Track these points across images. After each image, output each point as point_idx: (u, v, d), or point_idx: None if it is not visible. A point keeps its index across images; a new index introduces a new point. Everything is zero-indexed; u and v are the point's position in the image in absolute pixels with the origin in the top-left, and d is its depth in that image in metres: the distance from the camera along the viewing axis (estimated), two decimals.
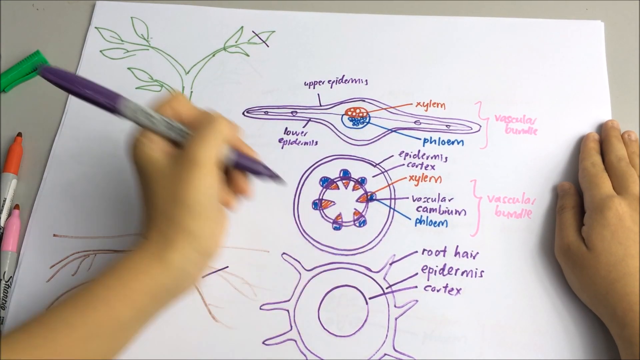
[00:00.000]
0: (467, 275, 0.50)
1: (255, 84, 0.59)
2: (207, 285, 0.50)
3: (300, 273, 0.50)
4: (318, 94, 0.58)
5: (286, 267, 0.50)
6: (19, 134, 0.56)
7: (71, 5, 0.64)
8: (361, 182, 0.54)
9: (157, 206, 0.41)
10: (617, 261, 0.45)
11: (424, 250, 0.51)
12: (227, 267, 0.51)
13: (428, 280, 0.50)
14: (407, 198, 0.53)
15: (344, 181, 0.54)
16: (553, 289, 0.49)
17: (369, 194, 0.53)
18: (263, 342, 0.48)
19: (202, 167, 0.40)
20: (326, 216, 0.52)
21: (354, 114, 0.57)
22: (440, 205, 0.52)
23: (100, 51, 0.61)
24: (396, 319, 0.48)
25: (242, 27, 0.62)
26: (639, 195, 0.47)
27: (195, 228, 0.41)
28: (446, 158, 0.54)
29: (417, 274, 0.50)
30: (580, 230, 0.48)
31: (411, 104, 0.57)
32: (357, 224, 0.52)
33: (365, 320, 0.48)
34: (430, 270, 0.50)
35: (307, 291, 0.49)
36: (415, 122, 0.56)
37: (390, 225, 0.52)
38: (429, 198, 0.53)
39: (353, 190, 0.53)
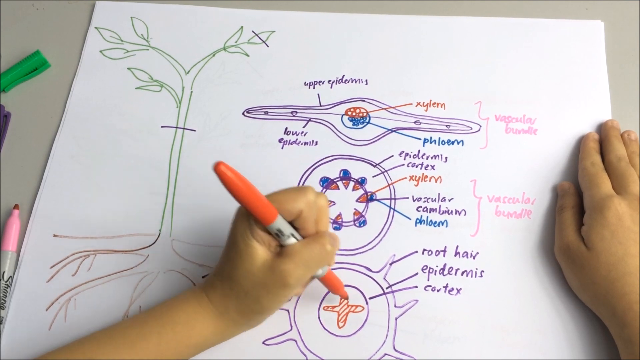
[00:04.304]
0: (467, 275, 0.50)
1: (255, 84, 0.59)
2: None
3: None
4: (318, 94, 0.58)
5: None
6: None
7: (71, 5, 0.64)
8: (361, 182, 0.54)
9: (234, 279, 0.42)
10: (617, 261, 0.45)
11: (424, 250, 0.51)
12: None
13: (428, 280, 0.50)
14: (407, 198, 0.53)
15: (344, 181, 0.54)
16: (553, 289, 0.49)
17: (369, 194, 0.53)
18: (263, 342, 0.48)
19: (290, 288, 0.42)
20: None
21: (354, 114, 0.57)
22: (440, 205, 0.52)
23: (100, 51, 0.61)
24: (396, 319, 0.48)
25: (242, 27, 0.62)
26: (639, 195, 0.47)
27: (257, 320, 0.45)
28: (446, 158, 0.54)
29: (417, 274, 0.50)
30: (580, 230, 0.48)
31: (411, 104, 0.57)
32: (357, 224, 0.52)
33: (365, 320, 0.48)
34: (431, 270, 0.50)
35: (307, 291, 0.49)
36: (415, 122, 0.56)
37: (390, 225, 0.52)
38: (429, 198, 0.53)
39: (353, 190, 0.53)
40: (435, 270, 0.50)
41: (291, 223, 0.42)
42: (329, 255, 0.43)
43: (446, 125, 0.56)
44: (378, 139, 0.55)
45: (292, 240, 0.41)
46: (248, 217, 0.41)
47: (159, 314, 0.43)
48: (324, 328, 0.48)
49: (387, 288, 0.49)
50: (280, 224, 0.40)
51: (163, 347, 0.42)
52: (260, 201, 0.39)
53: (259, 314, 0.44)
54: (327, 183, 0.54)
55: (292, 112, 0.57)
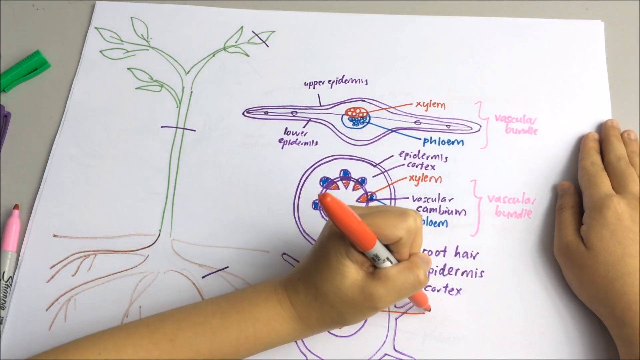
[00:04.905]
0: (467, 275, 0.50)
1: (255, 84, 0.59)
2: (207, 285, 0.50)
3: None
4: (318, 94, 0.58)
5: (286, 267, 0.50)
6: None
7: (71, 5, 0.64)
8: (361, 182, 0.54)
9: (320, 291, 0.42)
10: (616, 260, 0.45)
11: (424, 250, 0.51)
12: (227, 267, 0.51)
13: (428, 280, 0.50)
14: (407, 198, 0.53)
15: (344, 181, 0.54)
16: (553, 289, 0.49)
17: (369, 194, 0.53)
18: None
19: (377, 311, 0.43)
20: (326, 216, 0.52)
21: (354, 114, 0.57)
22: (440, 205, 0.52)
23: (100, 51, 0.61)
24: (396, 319, 0.48)
25: (242, 27, 0.62)
26: (639, 195, 0.47)
27: (334, 328, 0.47)
28: (446, 158, 0.54)
29: None
30: (579, 230, 0.48)
31: (411, 104, 0.57)
32: None
33: (365, 321, 0.48)
34: (431, 271, 0.50)
35: None
36: (415, 122, 0.56)
37: None
38: (429, 198, 0.53)
39: (353, 190, 0.53)
40: (435, 271, 0.50)
41: (387, 245, 0.41)
42: (422, 285, 0.42)
43: (446, 125, 0.56)
44: (378, 139, 0.55)
45: (387, 264, 0.41)
46: (344, 238, 0.40)
47: (240, 307, 0.43)
48: None
49: None
50: (378, 249, 0.40)
51: (242, 341, 0.42)
52: (362, 229, 0.38)
53: (338, 325, 0.45)
54: (327, 183, 0.54)
55: (292, 112, 0.57)
